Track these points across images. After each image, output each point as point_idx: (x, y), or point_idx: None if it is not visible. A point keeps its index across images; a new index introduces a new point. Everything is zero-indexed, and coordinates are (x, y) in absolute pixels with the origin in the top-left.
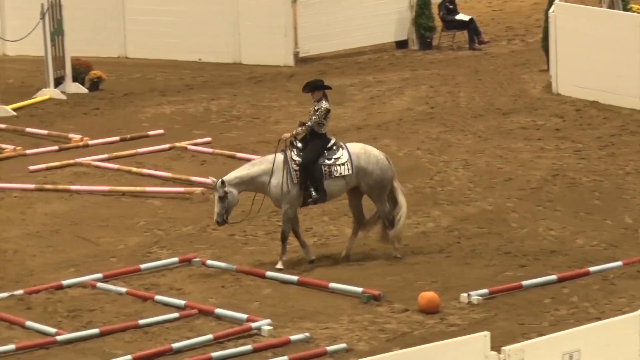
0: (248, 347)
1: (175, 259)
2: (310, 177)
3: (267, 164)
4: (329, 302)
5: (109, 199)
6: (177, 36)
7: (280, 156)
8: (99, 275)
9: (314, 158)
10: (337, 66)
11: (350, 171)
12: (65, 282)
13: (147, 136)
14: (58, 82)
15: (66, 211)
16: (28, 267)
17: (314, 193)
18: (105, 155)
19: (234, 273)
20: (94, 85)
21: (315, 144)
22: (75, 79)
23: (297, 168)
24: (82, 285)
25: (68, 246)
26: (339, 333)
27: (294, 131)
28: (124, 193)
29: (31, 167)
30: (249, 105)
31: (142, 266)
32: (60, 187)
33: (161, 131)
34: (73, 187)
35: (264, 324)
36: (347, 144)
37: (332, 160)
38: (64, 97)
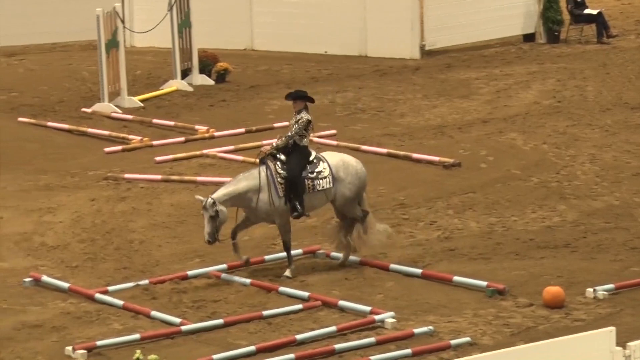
0: (371, 339)
1: (300, 251)
2: (295, 191)
3: (253, 180)
4: (453, 296)
5: None
6: (304, 29)
7: (264, 170)
8: (224, 266)
9: (299, 172)
10: (464, 59)
11: (331, 184)
12: (190, 273)
13: (273, 128)
14: (185, 73)
15: (192, 202)
16: (154, 258)
17: (299, 207)
18: (230, 147)
19: (357, 265)
20: (221, 77)
21: (298, 157)
22: (202, 71)
23: (282, 181)
24: (207, 276)
25: (193, 237)
26: (463, 327)
27: (274, 143)
28: None
29: (157, 158)
30: (374, 98)
31: (267, 257)
32: (186, 178)
33: (286, 123)
34: (199, 178)
35: (388, 317)
36: (325, 155)
37: (315, 174)
38: (190, 88)
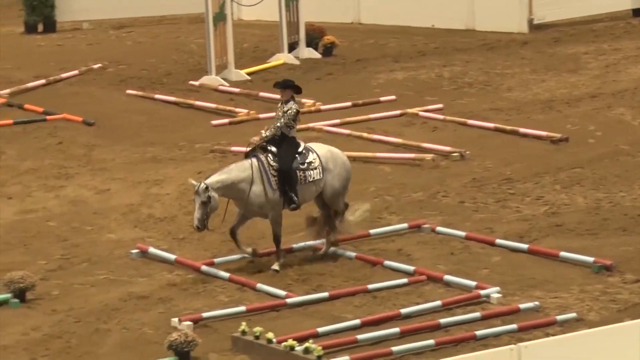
0: (476, 314)
1: (405, 225)
2: (289, 183)
3: (245, 171)
4: (559, 272)
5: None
6: (411, 2)
7: (256, 162)
8: None
9: (291, 163)
10: (572, 33)
11: (321, 175)
12: (295, 246)
13: (379, 102)
14: (292, 47)
15: None
16: (259, 230)
17: (295, 199)
18: (337, 121)
19: (463, 240)
20: (327, 51)
21: (288, 148)
22: (309, 44)
23: (275, 173)
24: (312, 249)
25: (299, 210)
26: (569, 302)
27: (263, 134)
28: (355, 158)
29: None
30: (482, 72)
31: (372, 231)
32: None
33: (393, 97)
34: None
35: (493, 292)
36: (312, 145)
37: (305, 165)
38: (297, 62)
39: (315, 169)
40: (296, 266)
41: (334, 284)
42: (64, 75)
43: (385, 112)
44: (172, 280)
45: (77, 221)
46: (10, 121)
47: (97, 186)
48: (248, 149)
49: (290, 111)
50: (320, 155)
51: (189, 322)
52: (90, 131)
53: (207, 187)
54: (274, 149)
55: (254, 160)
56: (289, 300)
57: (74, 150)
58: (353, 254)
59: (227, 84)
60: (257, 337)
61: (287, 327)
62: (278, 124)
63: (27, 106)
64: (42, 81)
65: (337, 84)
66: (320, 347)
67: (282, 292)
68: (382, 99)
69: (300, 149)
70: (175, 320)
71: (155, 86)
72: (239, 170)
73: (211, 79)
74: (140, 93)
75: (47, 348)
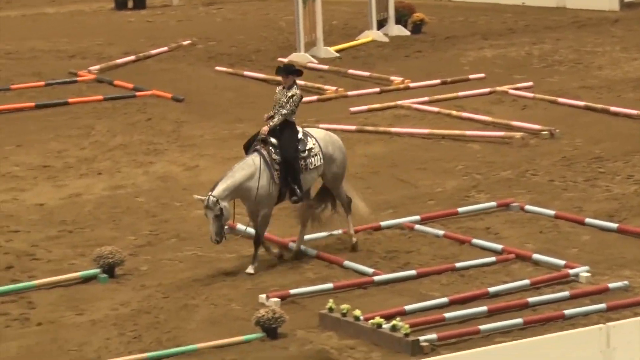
0: (565, 293)
1: (493, 203)
2: (292, 174)
3: (249, 168)
4: None
5: (428, 141)
6: None
7: (258, 157)
8: (417, 217)
9: (295, 151)
10: None
11: (321, 161)
12: (383, 224)
13: (468, 80)
14: (381, 24)
15: (386, 153)
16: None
17: (298, 191)
18: (425, 98)
19: (552, 219)
20: (417, 28)
21: (290, 136)
22: (398, 22)
23: (277, 167)
24: (400, 226)
25: (387, 188)
26: None
27: (271, 123)
28: (443, 136)
29: (352, 109)
30: (572, 50)
31: (460, 209)
32: (381, 129)
33: (482, 75)
34: (393, 129)
35: (582, 271)
36: (309, 130)
37: (306, 152)
38: (386, 39)
39: (316, 155)
40: (384, 243)
41: (421, 261)
42: (153, 51)
43: (475, 89)
44: (260, 256)
45: (166, 197)
46: (100, 97)
47: (186, 162)
48: (259, 141)
49: (295, 97)
50: (319, 140)
51: (276, 299)
52: (179, 107)
53: (217, 200)
54: (274, 140)
55: (256, 155)
56: (376, 278)
57: (163, 126)
58: (441, 232)
59: (316, 61)
60: (344, 315)
61: (374, 304)
62: (285, 111)
63: (116, 82)
64: (132, 57)
65: (426, 61)
66: (407, 325)
67: (369, 270)
68: (471, 76)
69: (299, 136)
70: (262, 296)
71: (244, 63)
72: (242, 169)
73: (300, 56)
74: (229, 70)
75: (135, 323)
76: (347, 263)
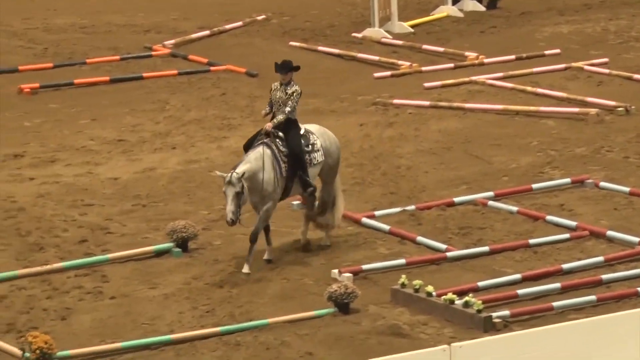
0: (639, 270)
1: (568, 180)
2: (302, 167)
3: (259, 160)
4: None
5: (502, 117)
6: None
7: (267, 150)
8: (491, 193)
9: (301, 146)
10: None
11: (323, 157)
12: (456, 200)
13: (543, 55)
14: None
15: (459, 129)
16: (420, 183)
17: (310, 181)
18: (500, 74)
19: (627, 195)
20: (492, 4)
21: (295, 131)
22: None
23: (285, 159)
24: (473, 203)
25: (460, 164)
26: None
27: (275, 121)
28: (517, 112)
29: (426, 84)
30: None
31: (534, 186)
32: (455, 104)
33: (557, 50)
34: (467, 105)
35: None
36: (307, 126)
37: (310, 147)
38: (461, 14)
39: (319, 150)
40: (457, 219)
41: (494, 238)
42: (228, 26)
43: (550, 65)
44: (333, 232)
45: None
46: (175, 72)
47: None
48: (265, 133)
49: (295, 93)
50: (318, 136)
51: (349, 274)
52: (253, 82)
53: (240, 177)
54: (280, 134)
55: (264, 147)
56: (449, 254)
57: (237, 101)
58: (515, 209)
59: (390, 37)
60: (416, 290)
61: (446, 280)
62: (288, 109)
63: (191, 57)
64: (206, 32)
65: (501, 37)
66: (480, 301)
67: (442, 246)
68: (546, 52)
69: (302, 132)
70: (335, 271)
71: (318, 38)
72: (255, 159)
73: (374, 31)
74: (303, 45)
75: (208, 297)
76: (420, 239)
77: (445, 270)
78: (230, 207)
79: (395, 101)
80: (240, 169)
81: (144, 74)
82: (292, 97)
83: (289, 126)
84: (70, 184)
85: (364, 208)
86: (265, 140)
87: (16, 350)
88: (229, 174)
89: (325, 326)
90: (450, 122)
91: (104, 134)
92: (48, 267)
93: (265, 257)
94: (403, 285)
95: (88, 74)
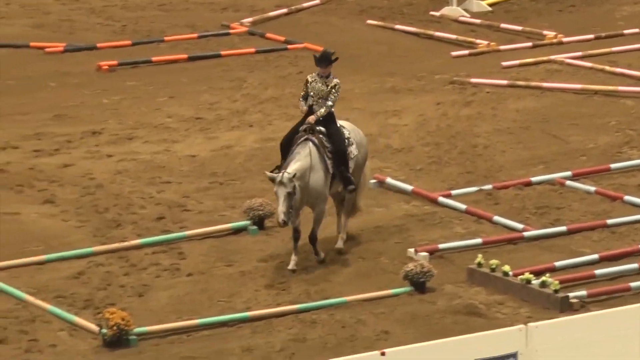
0: None
1: None
2: (345, 164)
3: (308, 157)
4: None
5: (580, 97)
6: None
7: (313, 146)
8: (568, 173)
9: (344, 142)
10: None
11: (357, 150)
12: (533, 179)
13: (622, 35)
14: None
15: (537, 108)
16: (497, 163)
17: (353, 179)
18: (578, 53)
19: None
20: None
21: (336, 126)
22: None
23: (330, 156)
24: (551, 182)
25: (538, 143)
26: None
27: (318, 114)
28: (596, 92)
29: (504, 63)
30: None
31: (612, 166)
32: (533, 83)
33: (636, 30)
34: (545, 84)
35: None
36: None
37: (346, 141)
38: None
39: (353, 144)
40: (534, 199)
41: (572, 218)
42: (305, 4)
43: (629, 45)
44: (409, 211)
45: None
46: (252, 50)
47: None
48: (305, 129)
49: (337, 86)
50: (350, 130)
51: (425, 253)
52: None
53: (292, 177)
54: (323, 129)
55: (310, 144)
56: (526, 234)
57: None
58: (592, 189)
59: (468, 15)
60: (493, 270)
61: (523, 260)
62: (330, 102)
63: (268, 35)
64: (284, 10)
65: (580, 15)
66: (557, 281)
67: (519, 225)
68: (625, 31)
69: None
70: (411, 250)
71: (395, 16)
72: (305, 156)
73: (452, 10)
74: (380, 23)
75: (284, 275)
76: (496, 218)
77: (522, 250)
78: (282, 207)
79: (473, 80)
80: (292, 169)
81: (222, 52)
82: (333, 90)
83: (329, 121)
84: (148, 161)
85: (441, 187)
86: (309, 137)
87: (93, 327)
88: (280, 174)
89: (401, 305)
90: (528, 102)
91: (182, 112)
92: (125, 243)
93: (319, 257)
94: (479, 264)
95: (166, 52)
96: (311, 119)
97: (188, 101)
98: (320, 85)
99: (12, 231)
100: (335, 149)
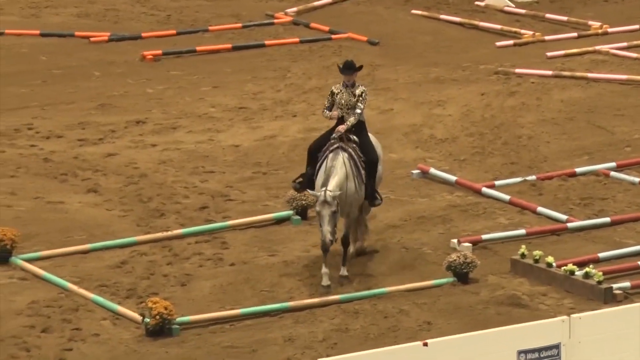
0: None
1: None
2: (375, 176)
3: (344, 167)
4: None
5: (626, 87)
6: None
7: (347, 156)
8: (613, 164)
9: (376, 154)
10: None
11: (381, 166)
12: (578, 170)
13: None
14: None
15: (582, 98)
16: (542, 154)
17: (379, 194)
18: (624, 44)
19: None
20: None
21: (367, 137)
22: None
23: (364, 166)
24: (595, 173)
25: (582, 134)
26: None
27: (348, 123)
28: None
29: (549, 53)
30: None
31: None
32: (578, 74)
33: None
34: (590, 75)
35: None
36: None
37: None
38: None
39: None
40: (578, 190)
41: (616, 209)
42: None
43: None
44: (452, 201)
45: None
46: (297, 39)
47: (380, 106)
48: (336, 138)
49: (364, 94)
50: (376, 144)
51: (468, 244)
52: (374, 50)
53: (335, 195)
54: (356, 138)
55: (343, 152)
56: (570, 225)
57: None
58: (637, 180)
59: (513, 5)
60: (536, 261)
61: (567, 251)
62: (359, 110)
63: (313, 25)
64: (329, 0)
65: (625, 6)
66: (600, 273)
67: (563, 216)
68: None
69: None
70: (454, 241)
71: (440, 6)
72: (340, 167)
73: (497, 0)
74: (425, 13)
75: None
76: (540, 209)
77: (565, 241)
78: (328, 227)
79: (518, 70)
80: (333, 186)
81: (266, 42)
82: (360, 99)
83: (361, 130)
84: (192, 151)
85: (484, 178)
86: (341, 145)
87: (136, 316)
88: (323, 193)
89: (444, 295)
90: (573, 92)
91: (226, 101)
92: (169, 233)
93: (341, 272)
94: (523, 255)
95: (210, 42)
96: (341, 127)
97: (232, 91)
98: (347, 95)
99: (56, 220)
100: (368, 158)
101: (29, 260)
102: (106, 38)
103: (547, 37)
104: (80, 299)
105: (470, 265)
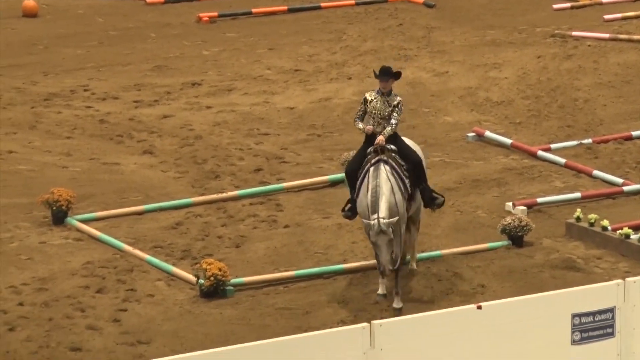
0: None
1: None
2: (424, 178)
3: (388, 182)
4: None
5: None
6: None
7: (388, 167)
8: None
9: (418, 155)
10: None
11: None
12: (634, 133)
13: None
14: None
15: (639, 62)
16: (598, 117)
17: (438, 192)
18: None
19: None
20: None
21: (403, 141)
22: None
23: (407, 174)
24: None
25: (639, 97)
26: None
27: (385, 133)
28: None
29: (606, 16)
30: None
31: None
32: (635, 37)
33: None
34: None
35: None
36: None
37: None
38: None
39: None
40: (635, 153)
41: None
42: None
43: None
44: (508, 164)
45: (415, 103)
46: (353, 2)
47: (436, 68)
48: (376, 152)
49: (400, 104)
50: (415, 148)
51: (523, 207)
52: (430, 13)
53: (390, 222)
54: (394, 147)
55: (384, 165)
56: (625, 188)
57: (413, 32)
58: None
59: None
60: (591, 224)
61: (622, 214)
62: (394, 121)
63: None
64: None
65: None
66: None
67: (619, 180)
68: None
69: None
70: (509, 204)
71: None
72: (384, 182)
73: None
74: None
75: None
76: (596, 173)
77: (621, 205)
78: (387, 256)
79: (574, 33)
80: (385, 212)
81: (322, 4)
82: (396, 109)
83: (394, 137)
84: (247, 113)
85: (540, 141)
86: (381, 158)
87: (191, 277)
88: (376, 222)
89: (498, 259)
90: (630, 55)
91: (281, 64)
92: (224, 195)
93: (394, 305)
94: (578, 219)
95: (266, 3)
96: (380, 139)
97: (287, 53)
98: (380, 104)
99: (111, 181)
100: (412, 161)
101: (84, 221)
102: (162, 0)
103: (604, 0)
104: (135, 259)
105: (524, 228)
